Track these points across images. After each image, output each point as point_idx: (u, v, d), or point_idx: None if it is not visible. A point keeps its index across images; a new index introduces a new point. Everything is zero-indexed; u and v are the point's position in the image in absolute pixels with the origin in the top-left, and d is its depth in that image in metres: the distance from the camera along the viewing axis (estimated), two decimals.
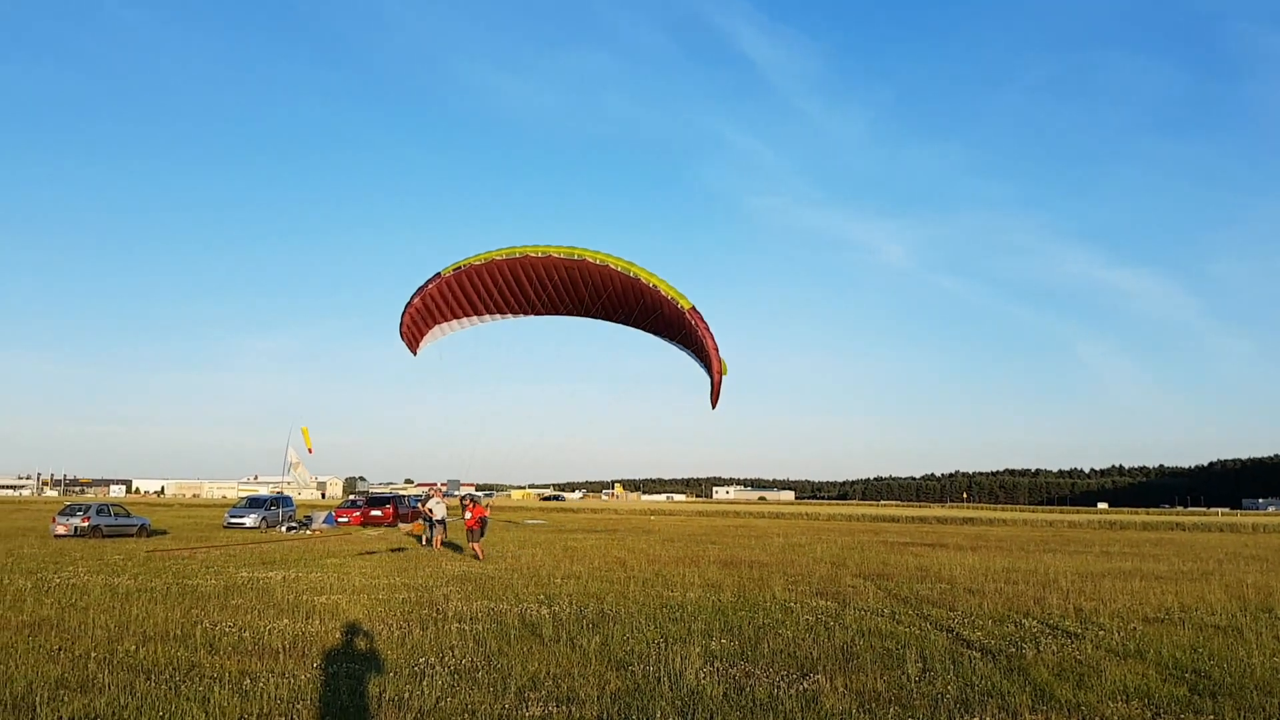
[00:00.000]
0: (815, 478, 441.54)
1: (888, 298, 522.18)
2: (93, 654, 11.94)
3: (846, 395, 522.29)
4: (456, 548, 33.96)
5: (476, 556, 28.58)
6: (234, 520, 51.05)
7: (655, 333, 24.39)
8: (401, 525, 52.37)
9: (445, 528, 35.71)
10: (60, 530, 39.36)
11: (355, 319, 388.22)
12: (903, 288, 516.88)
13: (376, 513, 55.71)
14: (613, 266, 22.42)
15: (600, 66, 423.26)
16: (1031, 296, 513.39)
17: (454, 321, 25.26)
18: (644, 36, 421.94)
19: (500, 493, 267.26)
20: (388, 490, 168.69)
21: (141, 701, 9.43)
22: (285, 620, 15.16)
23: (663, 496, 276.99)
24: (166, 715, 8.97)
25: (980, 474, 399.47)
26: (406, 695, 9.92)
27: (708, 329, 23.23)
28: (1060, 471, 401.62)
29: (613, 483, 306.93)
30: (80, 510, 40.86)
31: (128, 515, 43.17)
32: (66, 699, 9.52)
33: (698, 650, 12.83)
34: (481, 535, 29.29)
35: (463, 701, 9.73)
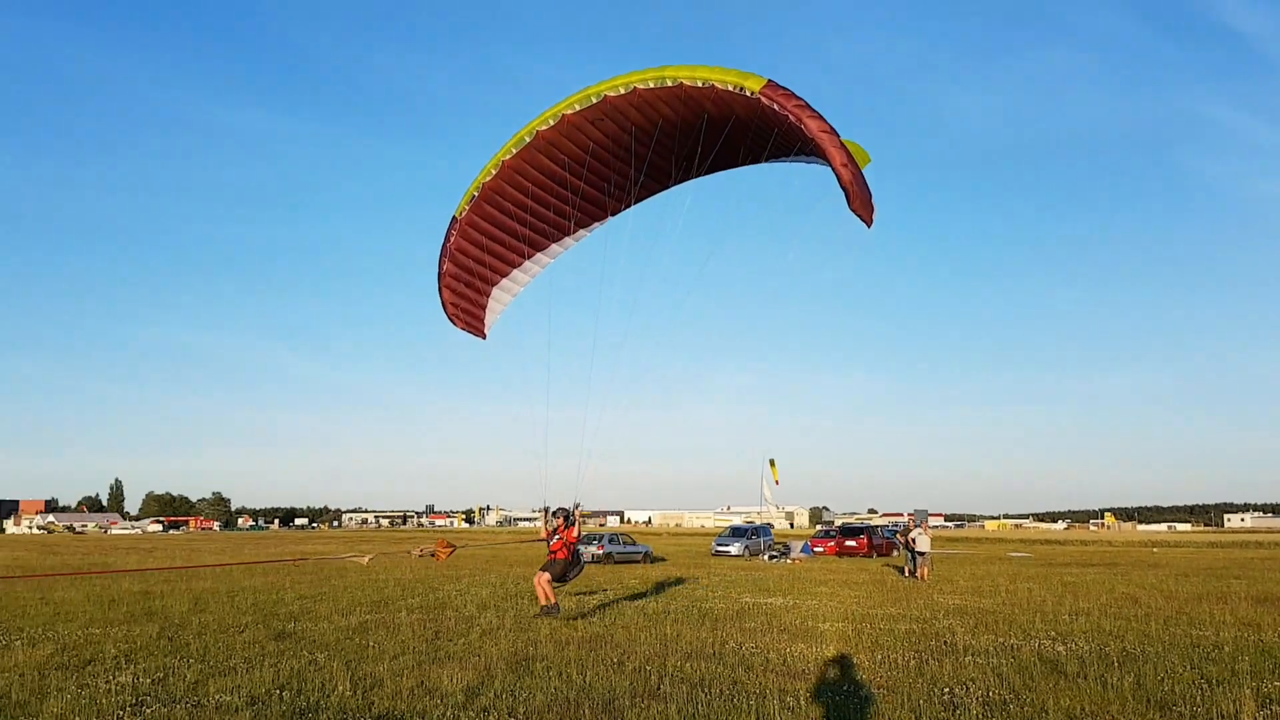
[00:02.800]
0: None
1: None
2: (647, 667, 13.59)
3: None
4: (900, 578, 33.34)
5: (548, 606, 19.15)
6: (720, 548, 54.98)
7: (742, 162, 16.20)
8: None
9: (930, 560, 35.32)
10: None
11: (813, 348, 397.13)
12: None
13: (851, 543, 56.46)
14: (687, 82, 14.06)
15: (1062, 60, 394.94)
16: None
17: (514, 273, 18.42)
18: (1103, 22, 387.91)
19: (972, 523, 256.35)
20: (858, 520, 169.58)
21: (707, 710, 10.63)
22: (800, 645, 16.07)
23: (1162, 526, 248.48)
24: None
25: None
26: None
27: (803, 103, 13.25)
28: None
29: (1102, 511, 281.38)
30: (596, 539, 46.41)
31: (634, 544, 48.14)
32: (644, 705, 10.99)
33: (1248, 693, 11.62)
34: (573, 570, 19.38)
35: None
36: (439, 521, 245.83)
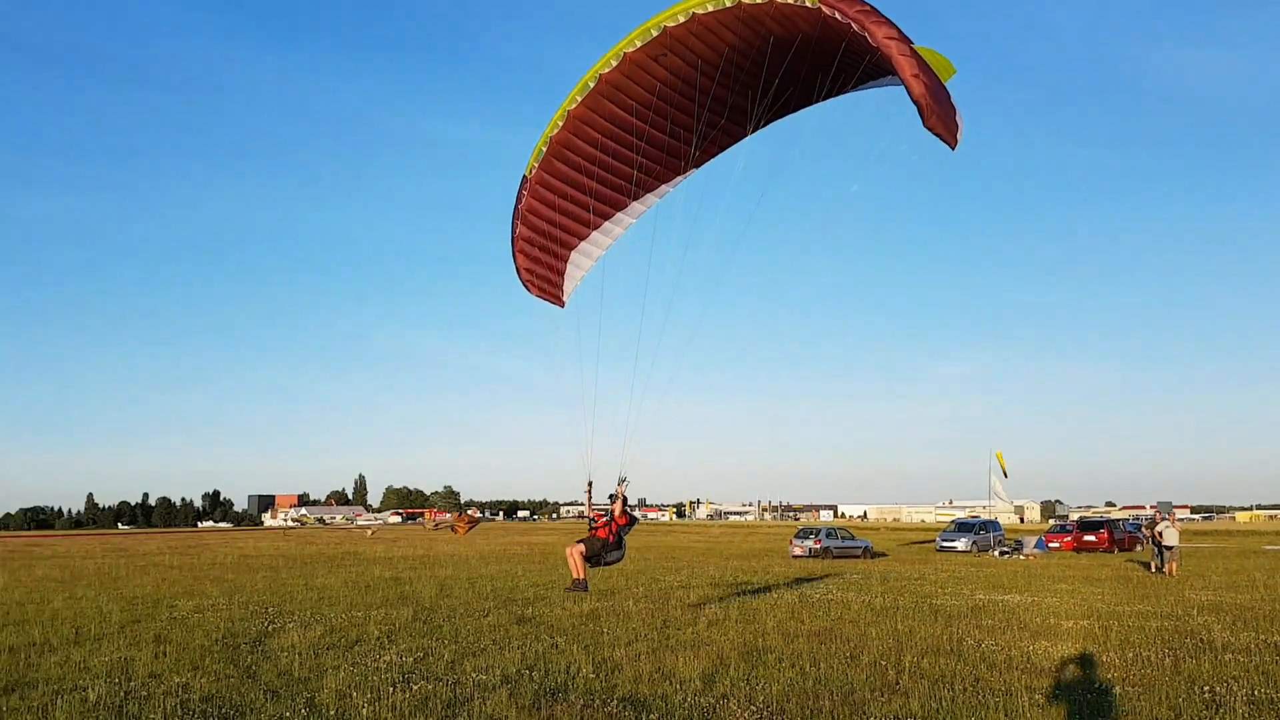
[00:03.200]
0: None
1: None
2: (881, 662, 13.39)
3: None
4: (1146, 572, 30.93)
5: (577, 580, 16.94)
6: (945, 544, 53.09)
7: (820, 90, 14.31)
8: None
9: (1178, 554, 32.85)
10: (797, 551, 44.60)
11: (1042, 333, 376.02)
12: None
13: (1090, 537, 53.23)
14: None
15: None
16: None
17: (594, 235, 17.04)
18: None
19: (1221, 515, 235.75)
20: (1096, 514, 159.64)
21: (951, 706, 10.39)
22: (1043, 642, 15.38)
23: None
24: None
25: None
26: None
27: (867, 8, 11.79)
28: None
29: None
30: (813, 533, 45.93)
31: (853, 538, 47.32)
32: (884, 699, 10.87)
33: None
34: (612, 554, 17.31)
35: None
36: (651, 515, 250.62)
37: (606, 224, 16.88)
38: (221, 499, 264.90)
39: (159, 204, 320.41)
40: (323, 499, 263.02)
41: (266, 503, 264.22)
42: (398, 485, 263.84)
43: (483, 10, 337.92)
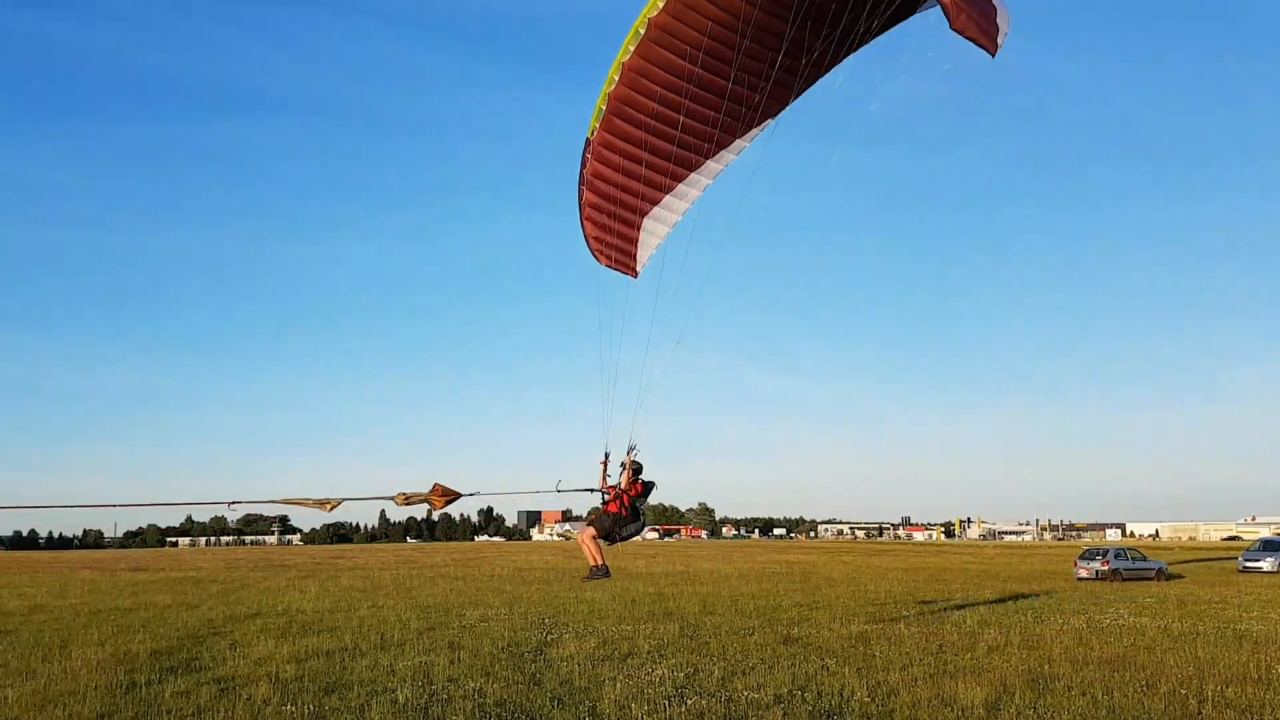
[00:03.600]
0: None
1: None
2: (1181, 691, 12.26)
3: None
4: None
5: (596, 567, 15.72)
6: (1250, 564, 48.31)
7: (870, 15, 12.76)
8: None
9: None
10: (1082, 573, 41.60)
11: None
12: None
13: None
14: None
15: None
16: None
17: (666, 199, 15.46)
18: None
19: None
20: None
21: None
22: None
23: None
24: None
25: None
26: None
27: None
28: None
29: None
30: (1100, 554, 42.75)
31: (1144, 559, 43.61)
32: None
33: None
34: (628, 528, 15.78)
35: None
36: (916, 535, 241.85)
37: (681, 186, 15.45)
38: (494, 515, 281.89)
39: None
40: (584, 514, 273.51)
41: (534, 518, 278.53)
42: (652, 502, 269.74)
43: None
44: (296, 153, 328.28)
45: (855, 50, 13.41)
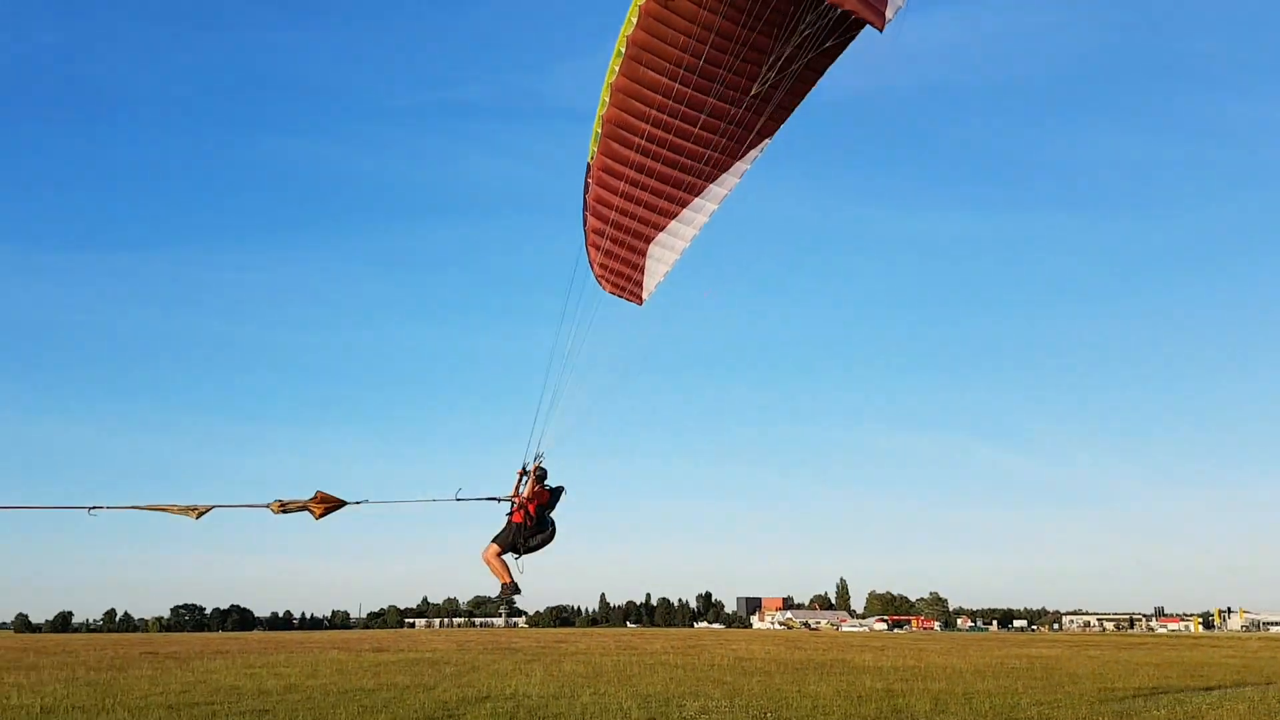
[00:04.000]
0: None
1: None
2: None
3: None
4: None
5: (505, 585, 15.24)
6: None
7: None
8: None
9: None
10: None
11: None
12: None
13: None
14: None
15: None
16: None
17: (671, 224, 15.03)
18: None
19: None
20: None
21: None
22: None
23: None
24: None
25: None
26: None
27: None
28: None
29: None
30: None
31: None
32: None
33: None
34: (533, 538, 15.17)
35: None
36: (1171, 625, 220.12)
37: (686, 211, 15.25)
38: (713, 600, 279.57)
39: None
40: (806, 602, 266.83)
41: (754, 605, 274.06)
42: (880, 590, 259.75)
43: None
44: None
45: (828, 61, 13.32)
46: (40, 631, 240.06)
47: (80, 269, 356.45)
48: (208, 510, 13.65)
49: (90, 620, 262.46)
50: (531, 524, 14.95)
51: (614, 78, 13.66)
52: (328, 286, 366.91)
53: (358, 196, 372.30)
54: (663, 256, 15.96)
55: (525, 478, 14.92)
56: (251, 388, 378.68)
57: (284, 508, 14.04)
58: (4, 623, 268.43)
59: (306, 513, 14.10)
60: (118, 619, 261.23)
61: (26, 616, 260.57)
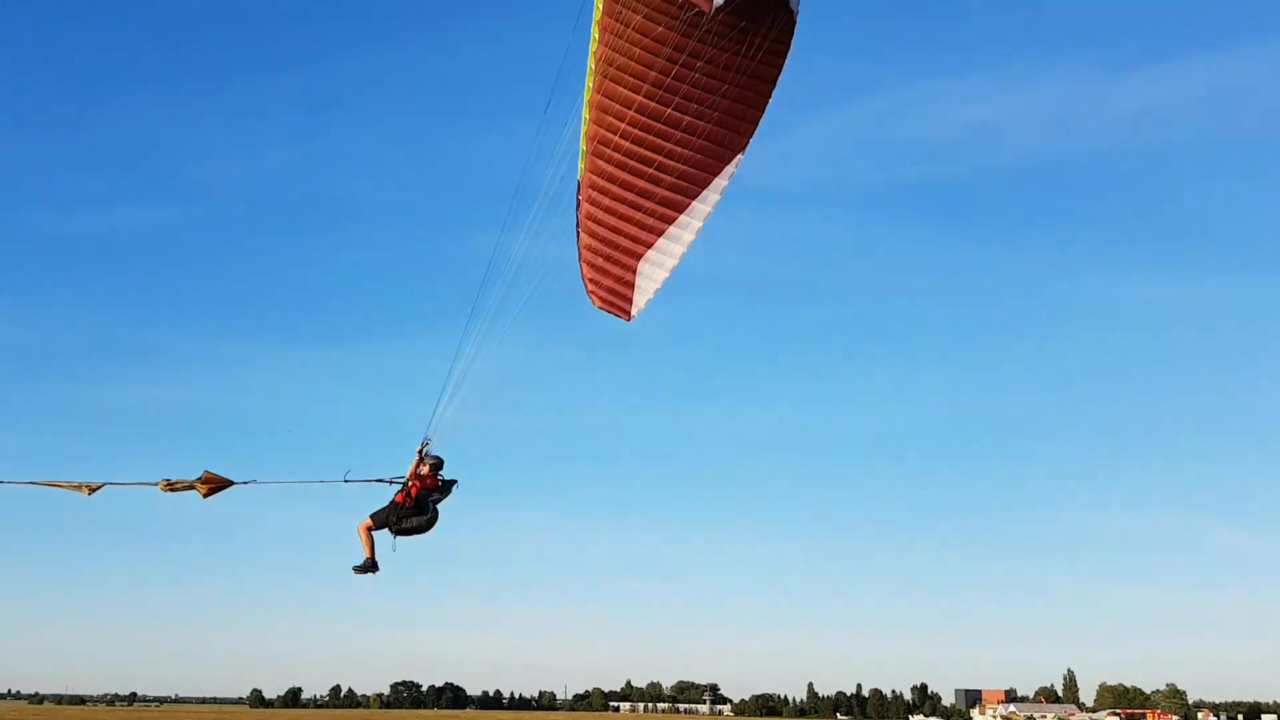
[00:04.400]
0: None
1: None
2: None
3: None
4: None
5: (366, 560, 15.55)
6: None
7: None
8: None
9: None
10: None
11: None
12: None
13: None
14: None
15: None
16: None
17: (660, 241, 15.16)
18: None
19: None
20: None
21: None
22: None
23: None
24: None
25: None
26: None
27: None
28: None
29: None
30: None
31: None
32: None
33: None
34: (407, 520, 15.29)
35: None
36: None
37: (672, 228, 15.52)
38: (929, 691, 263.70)
39: None
40: (1030, 695, 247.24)
41: (974, 698, 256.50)
42: (1112, 682, 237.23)
43: None
44: None
45: (774, 70, 13.79)
46: (271, 707, 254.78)
47: None
48: (99, 487, 14.20)
49: (318, 696, 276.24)
50: (409, 505, 15.22)
51: (590, 95, 14.27)
52: None
53: None
54: (653, 274, 16.41)
55: (418, 459, 15.28)
56: None
57: (171, 486, 14.25)
58: (240, 697, 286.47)
59: (193, 491, 14.35)
60: (342, 694, 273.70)
61: (260, 692, 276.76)
